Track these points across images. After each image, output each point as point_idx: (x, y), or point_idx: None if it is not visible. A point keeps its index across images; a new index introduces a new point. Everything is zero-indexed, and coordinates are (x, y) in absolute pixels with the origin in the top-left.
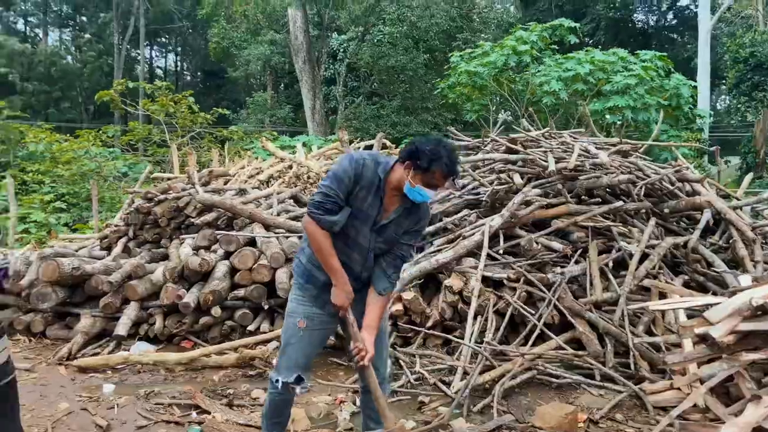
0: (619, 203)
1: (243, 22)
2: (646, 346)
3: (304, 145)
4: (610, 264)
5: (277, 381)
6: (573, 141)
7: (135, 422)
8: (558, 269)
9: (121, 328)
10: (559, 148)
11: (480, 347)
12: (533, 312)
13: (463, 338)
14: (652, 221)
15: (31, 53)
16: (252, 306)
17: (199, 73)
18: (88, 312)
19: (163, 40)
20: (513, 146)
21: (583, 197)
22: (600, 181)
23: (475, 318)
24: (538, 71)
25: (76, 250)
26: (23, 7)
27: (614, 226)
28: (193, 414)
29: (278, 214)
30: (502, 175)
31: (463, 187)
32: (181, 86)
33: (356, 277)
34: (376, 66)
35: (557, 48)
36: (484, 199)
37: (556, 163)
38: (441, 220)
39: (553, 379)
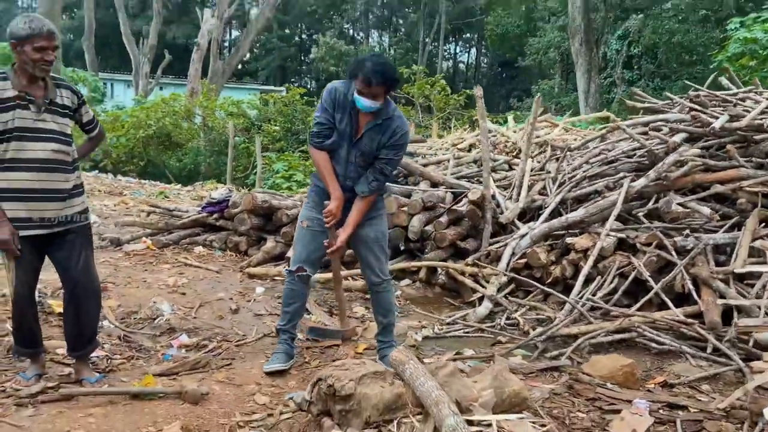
0: None
1: (518, 8)
2: None
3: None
4: None
5: (287, 270)
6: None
7: (258, 312)
8: (698, 235)
9: (291, 252)
10: (749, 108)
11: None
12: (657, 277)
13: (581, 297)
14: None
15: (354, 54)
16: (391, 246)
17: (495, 66)
18: (273, 237)
19: (467, 35)
20: (695, 107)
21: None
22: None
23: (593, 278)
24: None
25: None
26: (352, 14)
27: None
28: None
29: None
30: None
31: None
32: (478, 77)
33: (339, 185)
34: (661, 44)
35: None
36: (634, 160)
37: (732, 122)
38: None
39: (654, 345)
